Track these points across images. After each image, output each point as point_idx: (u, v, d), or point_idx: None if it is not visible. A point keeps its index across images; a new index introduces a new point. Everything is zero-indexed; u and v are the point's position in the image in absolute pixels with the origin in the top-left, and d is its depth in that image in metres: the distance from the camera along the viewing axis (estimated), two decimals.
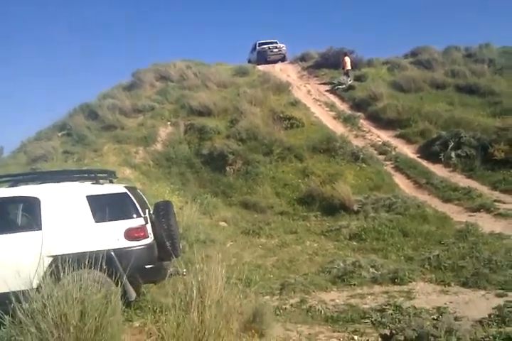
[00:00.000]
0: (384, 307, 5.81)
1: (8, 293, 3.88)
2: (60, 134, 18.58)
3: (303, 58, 26.62)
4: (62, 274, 4.15)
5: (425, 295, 6.33)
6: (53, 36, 76.39)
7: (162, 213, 6.15)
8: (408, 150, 14.78)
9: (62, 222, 5.39)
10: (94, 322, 3.58)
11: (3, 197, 5.57)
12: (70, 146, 16.97)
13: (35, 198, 5.49)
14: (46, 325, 3.45)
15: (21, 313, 3.57)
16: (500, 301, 5.69)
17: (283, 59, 27.65)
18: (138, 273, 5.17)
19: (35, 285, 4.12)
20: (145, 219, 5.74)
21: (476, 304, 5.78)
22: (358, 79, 20.90)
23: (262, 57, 27.04)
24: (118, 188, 5.95)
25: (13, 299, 3.69)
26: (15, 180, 6.02)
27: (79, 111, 19.66)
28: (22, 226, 5.85)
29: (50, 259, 4.82)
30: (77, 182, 5.99)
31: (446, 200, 11.39)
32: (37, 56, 73.93)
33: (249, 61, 28.85)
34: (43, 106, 61.04)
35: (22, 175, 6.54)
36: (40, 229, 5.29)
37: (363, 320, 5.54)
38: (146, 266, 5.48)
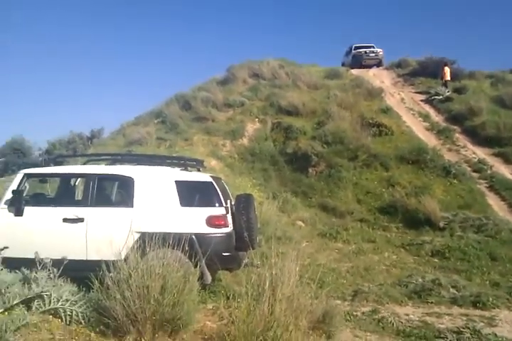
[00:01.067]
0: (462, 329, 5.46)
1: (100, 260, 4.16)
2: (156, 121, 19.60)
3: (399, 65, 25.74)
4: (147, 250, 4.38)
5: (509, 324, 5.86)
6: (154, 31, 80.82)
7: (243, 205, 6.26)
8: (506, 171, 13.74)
9: (151, 202, 5.68)
10: (173, 297, 3.75)
11: (102, 174, 5.98)
12: (164, 133, 17.83)
13: (130, 177, 5.82)
14: (130, 293, 3.67)
15: (109, 280, 3.83)
16: None
17: (379, 64, 26.82)
18: (215, 258, 5.29)
19: (123, 257, 4.37)
20: (226, 209, 5.89)
21: None
22: (457, 91, 19.79)
23: (357, 60, 26.43)
24: (204, 177, 6.15)
25: (104, 267, 3.97)
26: (114, 159, 6.47)
27: (174, 101, 20.55)
28: (116, 202, 6.28)
29: (138, 235, 5.11)
30: (168, 167, 6.28)
31: None
32: (145, 47, 78.79)
33: (343, 64, 28.33)
34: (145, 93, 64.88)
35: (120, 155, 6.99)
36: (132, 206, 5.62)
37: (436, 339, 5.26)
38: (224, 254, 5.60)
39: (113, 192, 6.75)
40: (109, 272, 3.97)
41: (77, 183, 6.75)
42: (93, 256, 4.93)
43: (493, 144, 15.21)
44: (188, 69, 78.10)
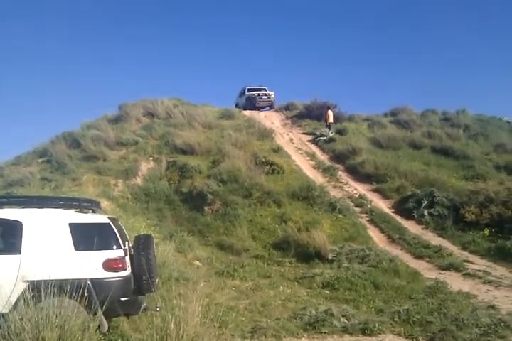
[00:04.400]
0: None
1: None
2: (39, 160, 18.49)
3: (287, 107, 27.59)
4: (39, 299, 4.14)
5: None
6: (39, 61, 76.97)
7: (142, 246, 6.16)
8: (383, 205, 15.20)
9: (42, 248, 5.36)
10: None
11: None
12: (49, 173, 16.87)
13: (17, 221, 5.47)
14: None
15: None
16: None
17: (271, 106, 28.37)
18: (113, 304, 5.12)
19: (11, 309, 4.07)
20: (125, 251, 5.77)
21: None
22: (339, 132, 21.75)
23: (251, 102, 27.66)
24: (101, 218, 6.00)
25: None
26: None
27: (61, 139, 19.67)
28: (1, 248, 5.79)
29: (28, 283, 4.78)
30: (60, 209, 6.00)
31: (418, 257, 11.64)
32: (23, 80, 74.08)
33: (237, 105, 29.48)
34: (24, 132, 60.40)
35: (6, 198, 6.52)
36: (20, 253, 5.25)
37: None
38: (122, 298, 5.43)
39: None
40: None
41: None
42: None
43: (371, 180, 16.82)
44: (76, 107, 74.81)
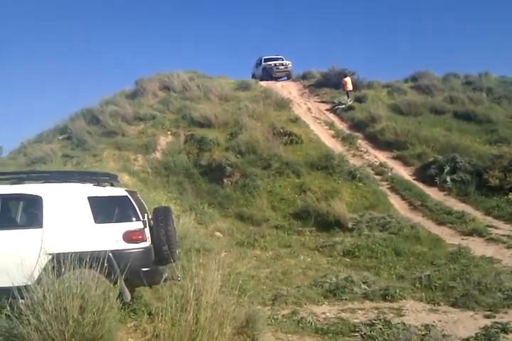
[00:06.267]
0: (374, 322, 5.87)
1: (8, 287, 3.94)
2: (60, 137, 18.71)
3: (305, 76, 27.05)
4: (62, 270, 4.23)
5: (415, 313, 6.41)
6: (57, 41, 77.04)
7: (161, 218, 6.21)
8: (404, 172, 14.99)
9: (63, 221, 5.45)
10: (93, 317, 3.66)
11: (6, 194, 5.63)
12: (70, 150, 17.09)
13: (38, 196, 5.55)
14: (46, 316, 3.53)
15: (22, 305, 3.65)
16: (488, 322, 5.78)
17: (288, 76, 27.75)
18: (134, 275, 5.21)
19: (36, 280, 4.18)
20: (144, 223, 5.82)
21: (464, 324, 5.86)
22: (358, 100, 21.26)
23: (268, 73, 27.14)
24: (119, 191, 6.03)
25: (16, 293, 3.76)
26: (19, 178, 6.10)
27: (80, 116, 19.77)
28: (23, 223, 5.92)
29: (51, 256, 4.89)
30: (79, 184, 6.06)
31: (440, 223, 11.53)
32: (42, 59, 74.40)
33: (253, 76, 29.03)
34: (45, 109, 61.14)
35: (26, 173, 6.61)
36: (41, 226, 5.35)
37: (352, 334, 5.61)
38: (143, 269, 5.52)
39: (20, 213, 6.35)
40: (22, 298, 3.78)
41: None
42: (0, 283, 4.62)
43: (392, 148, 16.53)
44: (94, 83, 75.01)
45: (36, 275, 4.51)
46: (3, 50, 65.99)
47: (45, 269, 4.48)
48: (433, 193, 13.42)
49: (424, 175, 14.37)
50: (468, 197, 12.83)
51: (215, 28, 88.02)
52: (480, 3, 68.26)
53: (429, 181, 13.98)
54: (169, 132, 17.94)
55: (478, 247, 9.63)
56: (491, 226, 10.90)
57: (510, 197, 12.10)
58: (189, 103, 19.84)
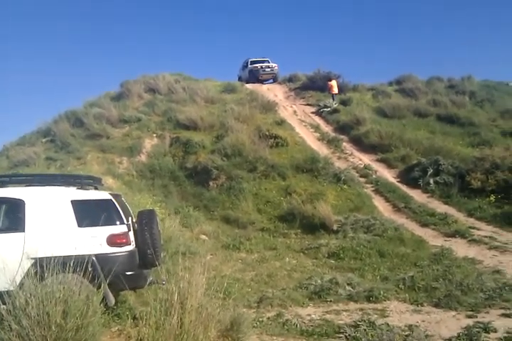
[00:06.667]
0: (358, 323, 5.91)
1: None
2: (43, 140, 18.49)
3: (290, 79, 27.14)
4: (45, 275, 4.19)
5: (398, 314, 6.48)
6: (41, 41, 76.20)
7: (145, 221, 6.18)
8: (388, 175, 15.14)
9: (45, 225, 5.40)
10: (76, 321, 3.63)
11: None
12: (53, 153, 16.90)
13: (20, 200, 5.50)
14: (28, 322, 3.50)
15: (3, 311, 3.61)
16: (470, 322, 5.87)
17: (275, 78, 27.71)
18: (118, 279, 5.18)
19: (17, 285, 4.13)
20: (128, 226, 5.80)
21: (447, 323, 5.95)
22: (343, 103, 21.43)
23: (254, 75, 27.07)
24: (103, 194, 5.99)
25: None
26: (1, 181, 6.02)
27: (64, 118, 19.56)
28: (4, 227, 5.84)
29: (33, 261, 4.84)
30: (62, 187, 6.01)
31: (423, 225, 11.66)
32: (25, 60, 73.54)
33: (240, 78, 29.00)
34: (28, 111, 60.42)
35: (8, 177, 6.53)
36: (23, 230, 5.30)
37: (337, 335, 5.66)
38: (127, 273, 5.49)
39: (1, 217, 6.27)
40: (3, 303, 3.73)
41: None
42: None
43: (376, 151, 16.71)
44: (79, 85, 74.34)
45: (18, 280, 4.46)
46: None
47: (27, 274, 4.44)
48: (416, 195, 13.58)
49: (408, 177, 14.53)
50: (451, 199, 13.01)
51: (202, 30, 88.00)
52: (465, 5, 69.40)
53: (413, 183, 14.14)
54: (154, 135, 17.86)
55: (460, 248, 9.76)
56: (474, 228, 11.06)
57: (492, 198, 12.29)
58: (175, 105, 19.79)
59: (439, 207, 12.71)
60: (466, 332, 5.42)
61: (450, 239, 10.58)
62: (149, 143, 17.24)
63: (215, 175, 14.54)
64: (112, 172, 14.91)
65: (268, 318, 6.28)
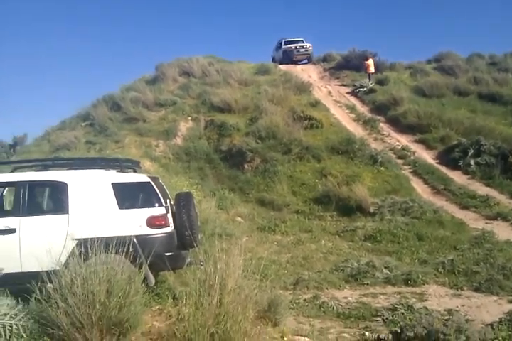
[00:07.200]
0: (396, 306, 5.89)
1: (37, 272, 4.06)
2: (83, 124, 18.96)
3: (325, 59, 26.59)
4: (89, 255, 4.33)
5: (437, 298, 6.40)
6: (77, 27, 77.49)
7: (183, 203, 6.26)
8: (427, 156, 14.76)
9: (88, 207, 5.56)
10: (119, 300, 3.76)
11: (33, 181, 5.75)
12: (93, 137, 17.33)
13: (63, 183, 5.66)
14: (74, 300, 3.64)
15: (51, 289, 3.76)
16: None
17: (309, 59, 27.06)
18: (158, 259, 5.30)
19: (63, 265, 4.29)
20: (166, 208, 5.88)
21: (488, 308, 5.84)
22: (379, 82, 20.86)
23: (288, 56, 26.52)
24: (141, 177, 6.09)
25: (44, 277, 3.88)
26: (44, 165, 6.23)
27: (102, 103, 19.94)
28: (50, 209, 6.07)
29: (76, 241, 5.01)
30: (102, 170, 6.15)
31: (464, 207, 11.39)
32: (64, 44, 75.14)
33: (273, 59, 28.58)
34: (68, 96, 62.05)
35: (51, 160, 6.74)
36: (67, 212, 5.47)
37: (374, 318, 5.65)
38: (166, 254, 5.60)
39: (46, 199, 6.51)
40: (50, 282, 3.89)
41: (4, 193, 6.42)
42: (29, 268, 4.77)
43: (414, 131, 16.26)
44: (115, 70, 75.44)
45: (63, 260, 4.63)
46: (24, 34, 66.70)
47: (72, 254, 4.61)
48: (456, 177, 13.20)
49: (448, 158, 14.13)
50: (493, 181, 12.59)
51: (235, 12, 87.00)
52: None
53: (453, 165, 13.74)
54: (189, 118, 17.99)
55: (502, 231, 9.48)
56: None
57: None
58: (209, 88, 19.79)
59: (480, 189, 12.34)
60: (508, 318, 5.32)
61: (492, 221, 10.31)
62: (184, 126, 17.39)
63: (250, 157, 14.57)
64: (149, 155, 15.17)
65: (304, 300, 6.33)
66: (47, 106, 60.53)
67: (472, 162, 13.34)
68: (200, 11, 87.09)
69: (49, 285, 3.91)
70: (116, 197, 5.63)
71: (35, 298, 3.88)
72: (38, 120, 51.96)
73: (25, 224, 5.30)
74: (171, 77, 21.87)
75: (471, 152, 13.56)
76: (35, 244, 5.05)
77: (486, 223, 10.23)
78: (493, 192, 11.99)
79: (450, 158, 14.02)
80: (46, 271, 4.03)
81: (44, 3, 71.51)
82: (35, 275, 4.02)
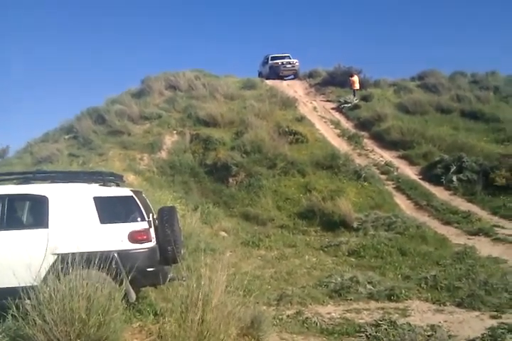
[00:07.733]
0: (379, 322, 5.84)
1: (14, 287, 3.97)
2: (66, 137, 18.79)
3: (310, 75, 26.91)
4: (68, 271, 4.25)
5: (420, 313, 6.38)
6: (63, 38, 77.32)
7: (166, 218, 6.21)
8: (410, 172, 14.94)
9: (68, 222, 5.47)
10: (99, 317, 3.68)
11: (12, 194, 5.65)
12: (76, 149, 17.17)
13: (44, 196, 5.57)
14: (52, 317, 3.55)
15: (28, 306, 3.67)
16: (494, 322, 5.74)
17: (295, 74, 27.28)
18: (139, 275, 5.22)
19: (41, 281, 4.21)
20: (149, 222, 5.82)
21: (470, 324, 5.83)
22: (364, 98, 21.21)
23: (274, 72, 26.75)
24: (124, 191, 6.04)
25: (21, 293, 3.79)
26: (25, 178, 6.12)
27: (86, 115, 19.81)
28: (29, 223, 5.96)
29: (56, 256, 4.91)
30: (84, 184, 6.08)
31: (446, 223, 11.50)
32: (48, 58, 74.73)
33: (260, 74, 28.78)
34: (51, 108, 61.46)
35: (32, 173, 6.63)
36: (47, 227, 5.38)
37: (357, 334, 5.59)
38: (148, 269, 5.53)
39: (26, 213, 6.39)
40: (28, 298, 3.80)
41: None
42: (6, 283, 4.65)
43: (398, 147, 16.49)
44: (100, 82, 75.20)
45: (42, 275, 4.54)
46: (6, 47, 66.27)
47: (51, 269, 4.52)
48: (439, 193, 13.37)
49: (430, 174, 14.32)
50: (475, 197, 12.78)
51: (222, 27, 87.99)
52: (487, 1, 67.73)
53: (436, 180, 13.93)
54: (175, 131, 17.97)
55: (484, 247, 9.58)
56: (498, 226, 10.84)
57: None
58: (195, 102, 19.85)
59: (462, 204, 12.50)
60: (490, 333, 5.31)
61: (473, 237, 10.40)
62: (170, 140, 17.36)
63: (235, 171, 14.57)
64: (133, 169, 15.07)
65: (288, 316, 6.25)
66: (30, 119, 59.93)
67: (454, 178, 13.53)
68: (188, 24, 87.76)
69: (27, 301, 3.83)
70: (97, 211, 5.56)
71: (11, 315, 3.78)
72: (20, 132, 51.32)
73: (3, 239, 5.19)
74: (157, 91, 21.89)
75: (453, 168, 13.77)
76: (13, 258, 4.94)
77: (468, 238, 10.33)
78: (474, 208, 12.15)
79: (433, 174, 14.21)
80: (24, 287, 3.95)
81: (26, 11, 71.37)
82: (13, 291, 3.93)
